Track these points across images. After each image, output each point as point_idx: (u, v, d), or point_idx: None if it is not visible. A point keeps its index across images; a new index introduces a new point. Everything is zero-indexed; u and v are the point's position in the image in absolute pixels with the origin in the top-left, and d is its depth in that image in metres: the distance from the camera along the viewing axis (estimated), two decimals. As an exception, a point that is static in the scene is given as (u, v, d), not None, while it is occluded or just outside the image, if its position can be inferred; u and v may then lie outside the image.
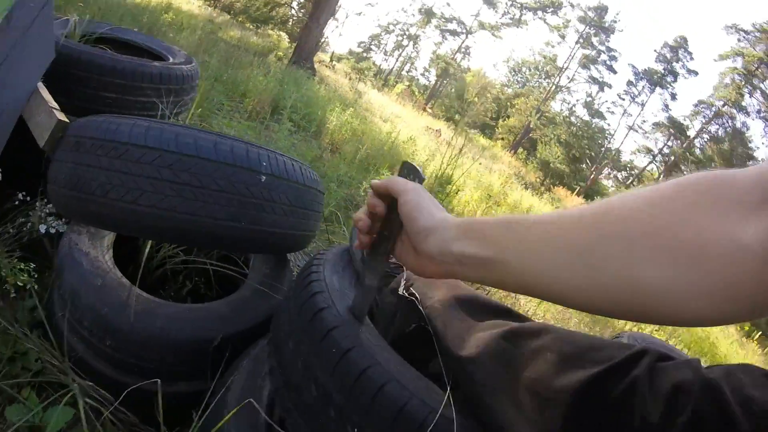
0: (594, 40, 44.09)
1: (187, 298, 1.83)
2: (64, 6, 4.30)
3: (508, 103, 46.40)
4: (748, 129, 37.40)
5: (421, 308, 1.13)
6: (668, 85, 42.31)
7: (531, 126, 42.08)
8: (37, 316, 1.45)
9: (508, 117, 45.24)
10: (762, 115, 35.79)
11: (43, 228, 1.67)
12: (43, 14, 1.58)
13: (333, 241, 3.07)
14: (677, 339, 6.50)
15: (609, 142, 45.43)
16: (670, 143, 40.99)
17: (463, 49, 50.34)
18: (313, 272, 1.08)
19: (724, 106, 36.46)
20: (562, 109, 46.34)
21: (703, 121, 38.41)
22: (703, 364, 0.65)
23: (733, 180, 0.51)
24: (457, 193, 6.09)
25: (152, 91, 2.12)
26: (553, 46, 47.39)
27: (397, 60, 54.26)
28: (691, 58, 41.86)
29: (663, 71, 42.27)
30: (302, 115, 5.33)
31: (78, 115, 1.51)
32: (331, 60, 27.24)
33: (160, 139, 1.21)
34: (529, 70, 50.10)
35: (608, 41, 44.28)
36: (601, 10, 43.49)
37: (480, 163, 13.12)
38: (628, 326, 4.91)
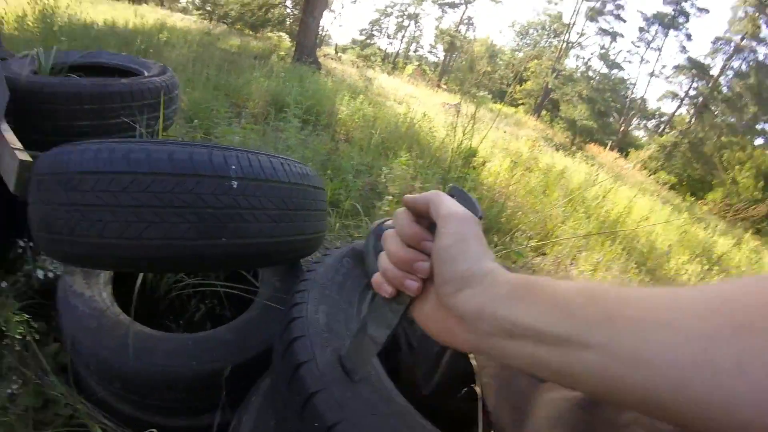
0: (596, -10, 42.66)
1: (206, 323, 1.73)
2: (49, 42, 4.21)
3: (523, 68, 45.41)
4: (772, 59, 35.68)
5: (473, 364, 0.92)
6: (681, 26, 40.70)
7: (549, 87, 41.06)
8: (60, 360, 1.45)
9: (525, 81, 44.27)
10: (784, 43, 34.19)
11: (40, 273, 1.61)
12: None
13: (356, 238, 2.91)
14: None
15: (632, 92, 44.08)
16: (695, 85, 39.52)
17: (465, 21, 49.48)
18: (295, 304, 0.90)
19: (742, 40, 34.97)
20: (578, 65, 45.05)
21: (724, 57, 36.98)
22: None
23: None
24: (484, 164, 5.88)
25: (125, 110, 1.99)
26: (556, 4, 46.18)
27: (401, 41, 53.73)
28: (700, -4, 40.07)
29: (673, 12, 40.60)
30: (305, 108, 5.17)
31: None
32: (336, 52, 27.03)
33: (110, 160, 1.07)
34: (537, 31, 48.87)
35: (611, -11, 42.81)
36: (599, -41, 42.05)
37: (505, 131, 12.83)
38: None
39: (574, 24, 44.17)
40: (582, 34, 44.30)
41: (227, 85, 5.86)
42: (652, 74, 43.32)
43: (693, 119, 35.78)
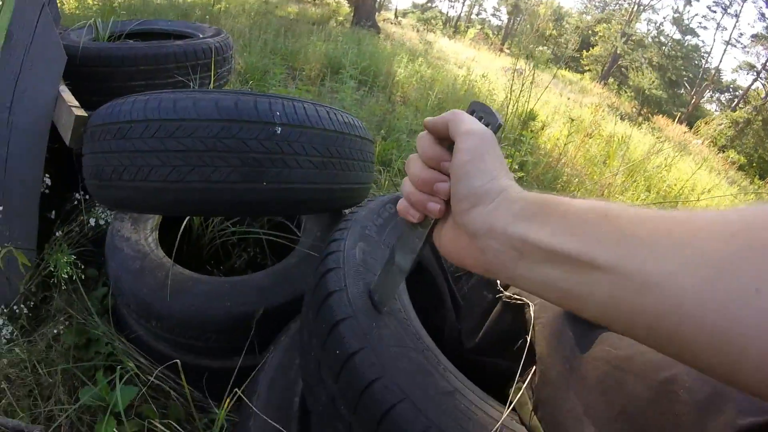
0: (671, -52, 40.07)
1: (246, 270, 1.79)
2: (108, 17, 4.35)
3: (590, 32, 43.42)
4: None
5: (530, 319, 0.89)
6: (760, -9, 37.63)
7: (618, 52, 39.07)
8: (106, 303, 1.55)
9: (592, 46, 42.32)
10: None
11: (92, 221, 1.70)
12: (41, 25, 1.59)
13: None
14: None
15: (706, 62, 41.31)
16: (773, 55, 36.74)
17: (531, -19, 47.56)
18: (333, 240, 0.90)
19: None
20: (649, 30, 42.38)
21: (808, 27, 34.11)
22: None
23: None
24: (542, 129, 5.71)
25: (179, 70, 2.07)
26: (627, -37, 43.37)
27: (463, 5, 52.33)
28: (783, -43, 36.73)
29: (753, -25, 37.67)
30: (361, 70, 5.14)
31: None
32: (396, 16, 26.72)
33: (158, 109, 1.11)
34: (606, -8, 46.37)
35: (687, -52, 40.08)
36: None
37: (569, 98, 12.39)
38: None
39: (646, -16, 41.81)
40: (655, -4, 41.85)
41: (284, 49, 5.89)
42: (728, 42, 40.45)
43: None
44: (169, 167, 1.08)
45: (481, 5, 54.39)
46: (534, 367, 0.82)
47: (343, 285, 0.77)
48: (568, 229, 0.43)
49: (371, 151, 1.50)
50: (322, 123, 1.23)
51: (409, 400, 0.63)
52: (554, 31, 45.10)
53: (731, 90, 41.46)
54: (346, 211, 1.41)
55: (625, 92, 36.51)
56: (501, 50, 29.21)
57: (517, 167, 3.50)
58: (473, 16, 53.73)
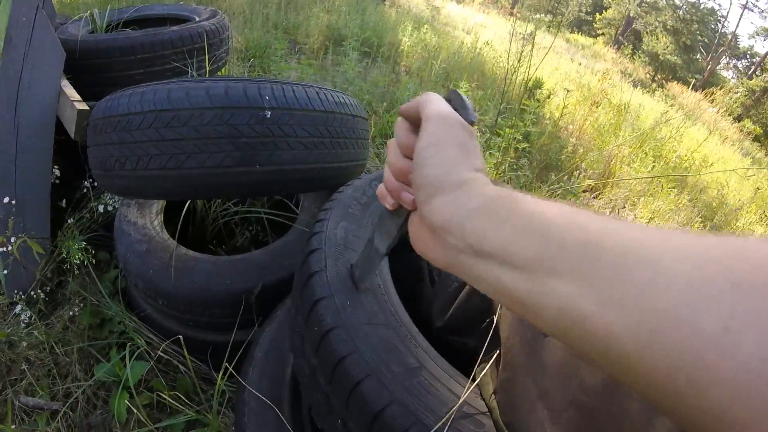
0: None
1: (250, 248, 1.87)
2: (107, 4, 4.34)
3: (602, -8, 42.23)
4: None
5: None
6: (780, -49, 36.22)
7: (632, 15, 38.07)
8: (118, 285, 1.64)
9: (606, 9, 41.29)
10: None
11: (101, 207, 1.78)
12: (37, 26, 1.66)
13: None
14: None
15: (723, 26, 39.82)
16: (793, 22, 35.45)
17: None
18: (318, 221, 0.95)
19: None
20: (663, -10, 41.19)
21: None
22: None
23: None
24: (549, 97, 5.61)
25: (176, 56, 2.12)
26: None
27: (472, -34, 51.06)
28: None
29: (773, -66, 36.21)
30: (363, 40, 5.09)
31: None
32: (403, -18, 26.15)
33: (153, 101, 1.17)
34: (621, -52, 44.88)
35: None
36: None
37: (580, 64, 12.15)
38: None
39: (661, -58, 40.42)
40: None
41: (286, 23, 5.85)
42: (745, 6, 39.07)
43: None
44: (167, 156, 1.15)
45: (489, -34, 53.08)
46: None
47: (323, 266, 0.82)
48: (531, 232, 0.39)
49: (364, 128, 1.53)
50: (312, 104, 1.28)
51: (374, 376, 0.68)
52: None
53: (748, 57, 40.28)
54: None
55: (639, 57, 35.56)
56: (512, 14, 28.63)
57: (520, 137, 3.47)
58: (482, -22, 52.57)
